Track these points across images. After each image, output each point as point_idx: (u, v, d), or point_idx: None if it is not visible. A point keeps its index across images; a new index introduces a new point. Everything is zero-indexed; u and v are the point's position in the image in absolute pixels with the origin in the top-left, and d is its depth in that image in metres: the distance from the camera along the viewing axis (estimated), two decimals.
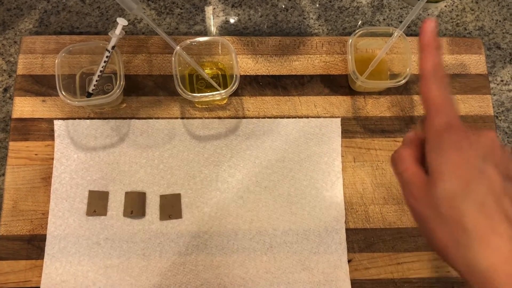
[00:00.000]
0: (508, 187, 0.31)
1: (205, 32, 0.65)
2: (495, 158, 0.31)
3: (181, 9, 0.65)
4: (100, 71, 0.54)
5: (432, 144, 0.32)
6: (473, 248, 0.29)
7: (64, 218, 0.54)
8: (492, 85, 0.64)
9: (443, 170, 0.31)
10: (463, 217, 0.30)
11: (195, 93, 0.57)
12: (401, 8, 0.67)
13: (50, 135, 0.57)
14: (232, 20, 0.65)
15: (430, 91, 0.33)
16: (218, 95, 0.54)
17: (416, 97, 0.61)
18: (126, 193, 0.55)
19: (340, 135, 0.59)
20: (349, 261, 0.55)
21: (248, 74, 0.61)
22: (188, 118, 0.59)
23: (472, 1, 0.67)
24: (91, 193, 0.55)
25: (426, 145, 0.33)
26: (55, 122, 0.57)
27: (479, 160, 0.31)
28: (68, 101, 0.52)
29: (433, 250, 0.32)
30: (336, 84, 0.61)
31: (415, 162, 0.33)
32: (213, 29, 0.65)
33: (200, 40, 0.56)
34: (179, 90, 0.53)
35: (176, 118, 0.58)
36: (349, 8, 0.66)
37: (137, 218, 0.55)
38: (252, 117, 0.59)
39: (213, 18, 0.65)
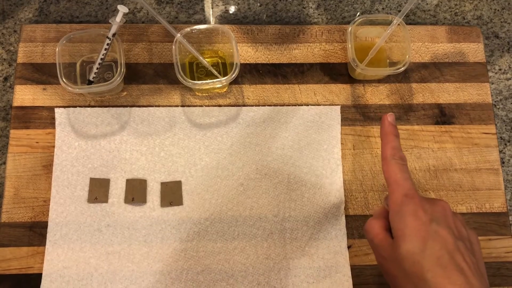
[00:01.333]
0: (460, 245, 0.37)
1: (204, 21, 0.65)
2: (447, 222, 0.38)
3: None
4: (101, 59, 0.55)
5: (394, 213, 0.39)
6: None
7: (65, 205, 0.55)
8: (490, 74, 0.65)
9: (404, 233, 0.37)
10: (423, 271, 0.35)
11: (195, 81, 0.57)
12: None
13: (51, 123, 0.57)
14: (231, 9, 0.65)
15: (391, 170, 0.40)
16: (218, 83, 0.54)
17: (415, 85, 0.61)
18: (127, 180, 0.56)
19: (340, 122, 0.59)
20: (348, 247, 0.55)
21: (248, 62, 0.61)
22: (188, 106, 0.59)
23: None
24: (92, 180, 0.55)
25: (390, 214, 0.39)
26: (56, 110, 0.57)
27: (433, 224, 0.37)
28: (69, 88, 0.53)
29: None
30: (335, 72, 0.61)
31: (383, 230, 0.40)
32: (212, 18, 0.65)
33: (201, 28, 0.56)
34: (180, 77, 0.53)
35: (177, 106, 0.59)
36: None
37: (138, 205, 0.55)
38: (252, 105, 0.59)
39: (212, 7, 0.65)
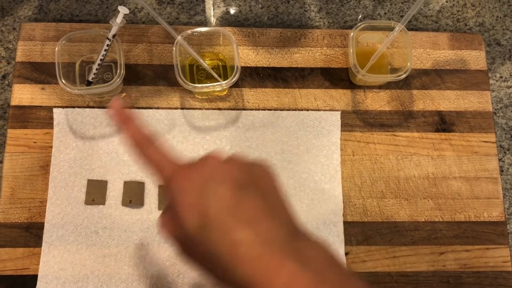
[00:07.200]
0: (241, 196, 0.32)
1: (205, 23, 0.64)
2: (219, 177, 0.33)
3: None
4: (100, 60, 0.54)
5: (168, 198, 0.34)
6: (232, 269, 0.30)
7: (62, 207, 0.54)
8: (491, 81, 0.64)
9: (183, 215, 0.32)
10: (213, 244, 0.31)
11: (195, 83, 0.57)
12: (402, 2, 0.67)
13: (49, 123, 0.57)
14: (232, 11, 0.65)
15: (148, 155, 0.35)
16: (218, 86, 0.54)
17: (415, 92, 0.61)
18: (125, 182, 0.55)
19: (340, 128, 0.59)
20: (346, 253, 0.55)
21: (248, 65, 0.60)
22: (188, 108, 0.58)
23: None
24: (90, 182, 0.55)
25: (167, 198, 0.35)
26: (54, 110, 0.57)
27: (205, 189, 0.32)
28: (68, 89, 0.52)
29: (211, 280, 0.34)
30: (336, 77, 0.61)
31: (170, 220, 0.35)
32: (213, 19, 0.65)
33: (201, 30, 0.56)
34: (180, 80, 0.53)
35: (176, 108, 0.58)
36: (350, 1, 0.66)
37: (135, 208, 0.55)
38: (252, 109, 0.59)
39: (213, 9, 0.65)
